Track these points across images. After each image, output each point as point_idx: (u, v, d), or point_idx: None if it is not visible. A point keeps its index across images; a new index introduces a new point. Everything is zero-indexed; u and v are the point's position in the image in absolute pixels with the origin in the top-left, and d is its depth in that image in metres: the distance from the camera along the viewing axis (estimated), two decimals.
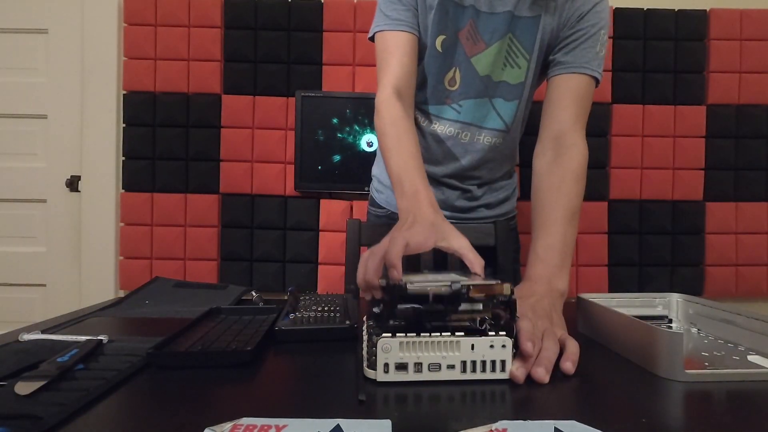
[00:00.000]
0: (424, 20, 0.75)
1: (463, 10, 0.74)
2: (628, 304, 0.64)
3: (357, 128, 1.55)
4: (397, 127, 0.69)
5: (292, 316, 0.59)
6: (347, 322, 0.57)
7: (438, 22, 0.74)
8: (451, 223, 0.59)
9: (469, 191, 0.87)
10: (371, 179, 1.01)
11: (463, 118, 0.80)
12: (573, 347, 0.46)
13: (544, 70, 0.79)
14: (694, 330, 0.60)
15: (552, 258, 0.60)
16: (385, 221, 0.95)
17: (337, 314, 0.60)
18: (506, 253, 0.89)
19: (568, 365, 0.44)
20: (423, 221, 0.55)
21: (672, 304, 0.65)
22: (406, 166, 0.64)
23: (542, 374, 0.41)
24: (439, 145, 0.83)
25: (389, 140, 0.68)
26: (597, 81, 0.74)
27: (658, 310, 0.65)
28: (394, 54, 0.73)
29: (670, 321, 0.64)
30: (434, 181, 0.85)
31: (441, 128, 0.81)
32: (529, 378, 0.42)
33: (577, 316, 0.61)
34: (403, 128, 0.69)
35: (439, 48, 0.76)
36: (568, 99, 0.72)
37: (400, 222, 0.58)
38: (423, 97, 0.82)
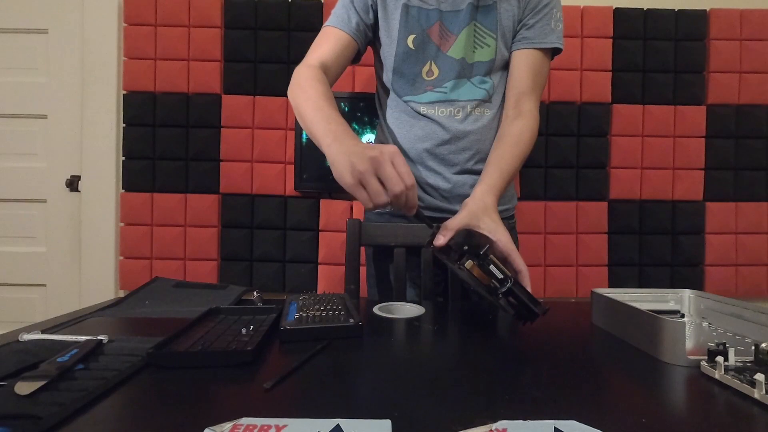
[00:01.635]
0: (387, 26, 0.86)
1: (427, 12, 0.83)
2: (640, 299, 0.67)
3: (357, 128, 1.55)
4: (319, 82, 0.77)
5: (296, 315, 0.59)
6: (351, 320, 0.57)
7: (405, 24, 0.84)
8: None
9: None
10: None
11: (449, 97, 0.86)
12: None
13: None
14: (705, 324, 0.62)
15: (487, 181, 0.75)
16: (387, 219, 0.95)
17: (341, 312, 0.61)
18: None
19: None
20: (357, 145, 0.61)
21: (684, 300, 0.68)
22: (324, 104, 0.72)
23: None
24: (439, 126, 0.87)
25: (309, 90, 0.75)
26: (558, 50, 0.86)
27: (671, 305, 0.68)
28: (330, 42, 0.84)
29: (682, 315, 0.67)
30: (447, 167, 0.88)
31: (431, 111, 0.87)
32: (529, 378, 0.42)
33: (591, 309, 0.65)
34: (323, 86, 0.76)
35: (411, 45, 0.85)
36: (526, 70, 0.85)
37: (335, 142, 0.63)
38: (403, 90, 0.88)
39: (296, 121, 1.54)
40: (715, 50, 1.60)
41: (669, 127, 1.61)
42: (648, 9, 1.60)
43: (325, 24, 0.88)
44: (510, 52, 0.87)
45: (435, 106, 0.86)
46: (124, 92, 1.59)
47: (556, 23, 0.85)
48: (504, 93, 0.90)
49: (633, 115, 1.61)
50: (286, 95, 1.57)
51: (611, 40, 1.59)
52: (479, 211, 0.69)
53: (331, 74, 0.83)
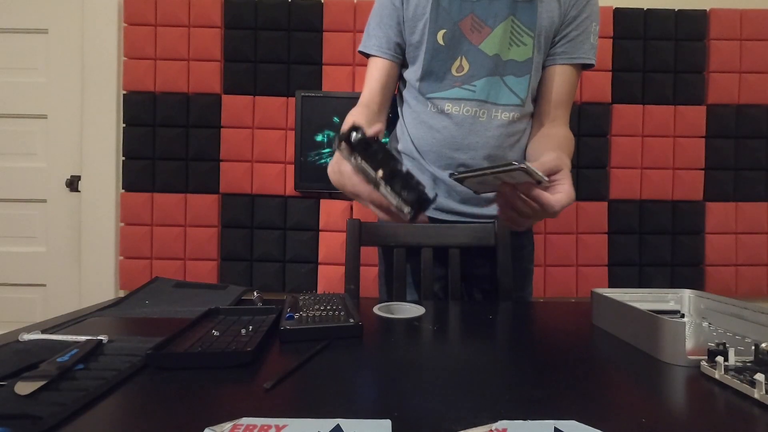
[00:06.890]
0: (413, 26, 0.82)
1: (460, 3, 0.79)
2: (640, 299, 0.67)
3: None
4: (356, 111, 0.84)
5: (296, 315, 0.59)
6: (351, 320, 0.57)
7: (434, 19, 0.80)
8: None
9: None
10: None
11: (477, 97, 0.83)
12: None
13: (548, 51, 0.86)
14: (705, 324, 0.62)
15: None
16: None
17: (341, 312, 0.61)
18: (507, 252, 0.89)
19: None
20: None
21: (684, 300, 0.68)
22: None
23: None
24: (458, 127, 0.84)
25: (348, 118, 0.83)
26: (592, 65, 0.85)
27: (671, 305, 0.68)
28: (372, 76, 0.88)
29: (682, 315, 0.67)
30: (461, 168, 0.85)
31: (456, 109, 0.84)
32: (529, 378, 0.42)
33: (591, 309, 0.65)
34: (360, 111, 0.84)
35: (441, 41, 0.81)
36: (563, 83, 0.84)
37: None
38: (429, 87, 0.85)
39: (296, 121, 1.55)
40: (715, 50, 1.60)
41: (669, 127, 1.61)
42: (648, 9, 1.60)
43: (361, 48, 0.89)
44: (545, 63, 0.84)
45: (461, 103, 0.83)
46: (124, 92, 1.59)
47: (594, 37, 0.83)
48: (534, 101, 0.88)
49: (633, 115, 1.61)
50: (286, 95, 1.60)
51: (611, 40, 1.59)
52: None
53: (380, 104, 0.88)
